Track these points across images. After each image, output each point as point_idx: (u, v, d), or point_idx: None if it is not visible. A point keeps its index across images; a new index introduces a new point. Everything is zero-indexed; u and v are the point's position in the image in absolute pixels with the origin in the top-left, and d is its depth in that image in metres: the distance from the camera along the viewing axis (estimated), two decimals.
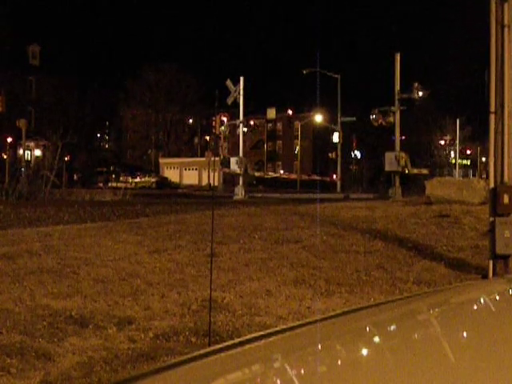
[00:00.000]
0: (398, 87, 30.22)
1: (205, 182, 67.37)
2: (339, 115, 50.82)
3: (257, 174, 53.36)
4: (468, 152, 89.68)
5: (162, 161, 78.52)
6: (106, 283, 7.87)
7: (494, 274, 8.05)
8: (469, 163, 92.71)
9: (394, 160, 29.33)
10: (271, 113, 55.65)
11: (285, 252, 9.92)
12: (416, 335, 1.77)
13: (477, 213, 13.28)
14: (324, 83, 64.18)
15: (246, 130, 40.48)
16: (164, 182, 65.11)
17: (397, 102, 30.30)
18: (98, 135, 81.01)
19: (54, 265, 8.83)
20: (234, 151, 43.22)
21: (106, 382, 4.85)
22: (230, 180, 48.53)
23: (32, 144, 62.55)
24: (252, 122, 42.94)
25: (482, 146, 72.97)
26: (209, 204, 22.65)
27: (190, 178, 72.66)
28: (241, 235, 11.32)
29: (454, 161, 77.70)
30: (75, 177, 61.54)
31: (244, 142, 40.33)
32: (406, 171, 30.21)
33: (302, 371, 1.46)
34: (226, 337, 5.75)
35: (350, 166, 77.90)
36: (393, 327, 1.88)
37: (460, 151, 74.96)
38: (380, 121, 31.14)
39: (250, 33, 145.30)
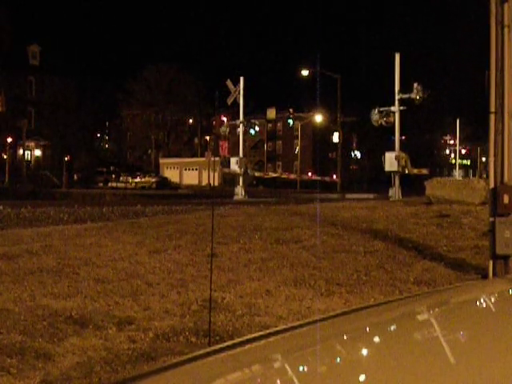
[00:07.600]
0: (397, 87, 30.23)
1: (205, 182, 67.42)
2: (339, 115, 50.77)
3: (257, 174, 53.33)
4: (468, 152, 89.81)
5: (162, 161, 78.58)
6: (105, 283, 7.87)
7: (494, 274, 8.04)
8: (469, 163, 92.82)
9: (393, 160, 29.34)
10: (271, 113, 55.58)
11: (285, 252, 9.91)
12: (416, 335, 1.77)
13: (477, 213, 13.27)
14: (324, 83, 64.18)
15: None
16: (164, 182, 65.20)
17: (397, 102, 30.31)
18: (98, 135, 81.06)
19: (54, 265, 8.83)
20: (234, 151, 43.19)
21: (106, 381, 4.85)
22: (230, 180, 48.52)
23: (32, 144, 62.55)
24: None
25: (482, 146, 73.08)
26: (209, 204, 22.66)
27: (190, 178, 72.71)
28: (241, 235, 11.31)
29: (454, 161, 77.82)
30: (75, 177, 61.54)
31: (244, 141, 40.31)
32: (406, 171, 30.21)
33: (302, 371, 1.46)
34: (226, 337, 5.74)
35: (350, 166, 77.99)
36: (393, 327, 1.88)
37: (460, 151, 75.01)
38: (380, 121, 31.12)
39: (250, 33, 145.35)
